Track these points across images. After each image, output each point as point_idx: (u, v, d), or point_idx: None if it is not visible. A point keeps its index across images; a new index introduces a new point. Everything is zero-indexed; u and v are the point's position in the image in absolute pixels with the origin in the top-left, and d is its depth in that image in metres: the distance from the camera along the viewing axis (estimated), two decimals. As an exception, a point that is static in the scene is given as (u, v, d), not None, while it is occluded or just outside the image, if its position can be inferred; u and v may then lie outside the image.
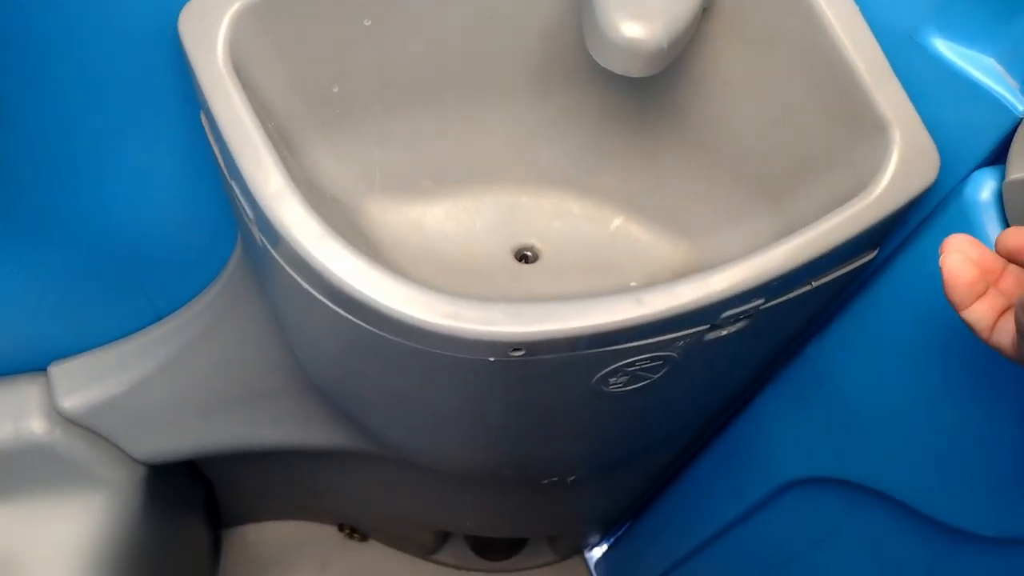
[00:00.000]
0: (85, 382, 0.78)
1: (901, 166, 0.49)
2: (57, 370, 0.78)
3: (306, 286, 0.49)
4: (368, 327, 0.48)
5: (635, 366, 0.53)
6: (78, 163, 0.59)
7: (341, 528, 1.27)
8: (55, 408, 0.78)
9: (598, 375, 0.53)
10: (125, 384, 0.79)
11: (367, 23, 0.51)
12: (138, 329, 0.79)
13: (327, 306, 0.48)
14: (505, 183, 0.65)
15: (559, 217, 0.65)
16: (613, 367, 0.53)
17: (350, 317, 0.48)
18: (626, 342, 0.50)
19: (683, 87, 0.57)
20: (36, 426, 0.78)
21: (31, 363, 0.79)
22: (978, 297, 0.39)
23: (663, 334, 0.50)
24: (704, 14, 0.50)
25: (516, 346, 0.46)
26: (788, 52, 0.52)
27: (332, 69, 0.54)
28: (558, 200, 0.65)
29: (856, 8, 0.49)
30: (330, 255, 0.45)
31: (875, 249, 0.56)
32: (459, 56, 0.56)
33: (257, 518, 1.26)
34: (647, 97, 0.59)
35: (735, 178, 0.59)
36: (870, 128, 0.50)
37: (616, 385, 0.56)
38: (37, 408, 0.78)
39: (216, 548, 1.22)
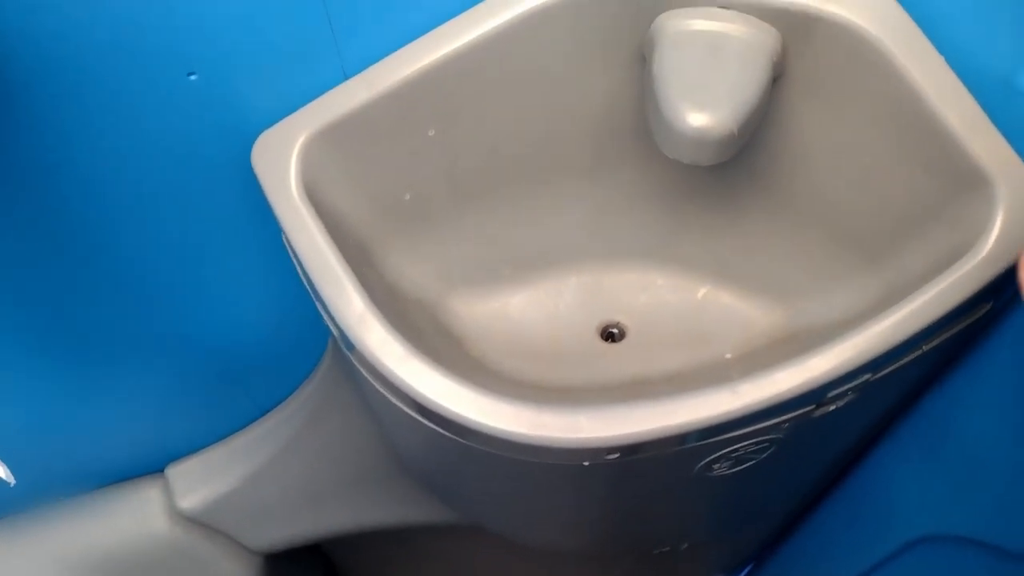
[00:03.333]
0: (200, 481, 0.81)
1: (1009, 220, 0.45)
2: (174, 472, 0.82)
3: (393, 400, 0.49)
4: (456, 438, 0.47)
5: (739, 451, 0.51)
6: (177, 287, 0.62)
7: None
8: (175, 508, 0.82)
9: (701, 463, 0.51)
10: (237, 480, 0.82)
11: (431, 133, 0.52)
12: (244, 426, 0.81)
13: (415, 418, 0.49)
14: (584, 261, 0.64)
15: (643, 290, 0.63)
16: (716, 455, 0.50)
17: (437, 429, 0.48)
18: (725, 433, 0.47)
19: (761, 152, 0.55)
20: (159, 526, 0.82)
21: (150, 466, 0.83)
22: None
23: (764, 420, 0.47)
24: (775, 82, 0.48)
25: (608, 450, 0.45)
26: (869, 108, 0.49)
27: (402, 179, 0.54)
28: (640, 273, 0.64)
29: (940, 57, 0.46)
30: (413, 374, 0.46)
31: (989, 303, 0.52)
32: (522, 148, 0.55)
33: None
34: (723, 164, 0.57)
35: (828, 238, 0.56)
36: (970, 182, 0.46)
37: (721, 469, 0.53)
38: (159, 509, 0.82)
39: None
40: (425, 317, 0.59)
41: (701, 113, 0.43)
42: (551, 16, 0.48)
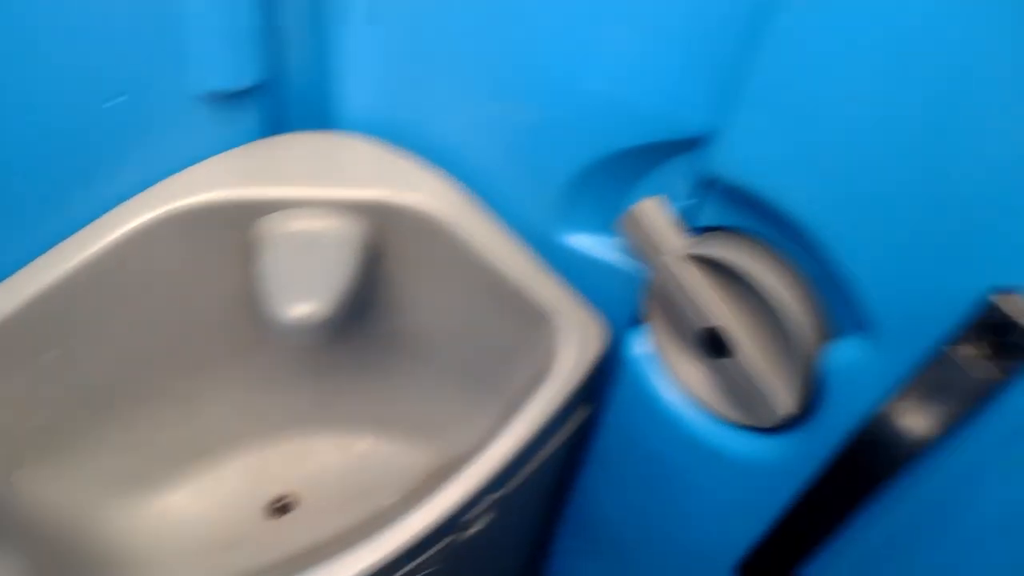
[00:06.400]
0: None
1: (572, 344, 0.56)
2: None
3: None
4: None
5: (406, 584, 0.54)
6: None
7: None
8: None
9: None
10: None
11: (53, 355, 0.51)
12: None
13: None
14: (242, 443, 0.65)
15: (307, 456, 0.66)
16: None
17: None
18: (383, 578, 0.51)
19: (384, 319, 0.62)
20: None
21: None
22: None
23: (414, 559, 0.52)
24: (380, 259, 0.56)
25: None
26: (453, 274, 0.58)
27: (29, 406, 0.53)
28: (301, 441, 0.67)
29: (496, 226, 0.57)
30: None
31: (590, 406, 0.62)
32: (156, 351, 0.57)
33: None
34: (357, 332, 0.63)
35: (456, 378, 0.64)
36: (536, 319, 0.57)
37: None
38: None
39: None
40: (67, 547, 0.56)
41: (298, 305, 0.49)
42: (161, 229, 0.51)
